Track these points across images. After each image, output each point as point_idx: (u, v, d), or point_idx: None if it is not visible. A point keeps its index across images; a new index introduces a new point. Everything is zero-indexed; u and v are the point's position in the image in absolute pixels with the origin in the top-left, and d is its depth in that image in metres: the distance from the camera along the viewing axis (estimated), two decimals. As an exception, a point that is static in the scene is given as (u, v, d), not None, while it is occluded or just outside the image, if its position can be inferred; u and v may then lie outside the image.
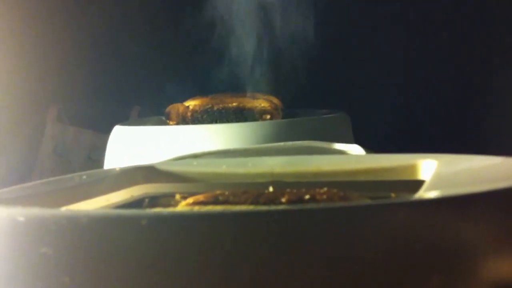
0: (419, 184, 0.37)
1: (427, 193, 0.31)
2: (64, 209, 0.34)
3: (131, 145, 0.71)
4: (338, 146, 0.60)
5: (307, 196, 0.34)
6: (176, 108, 0.77)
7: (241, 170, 0.43)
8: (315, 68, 0.90)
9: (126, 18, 1.07)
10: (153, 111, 0.90)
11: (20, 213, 0.26)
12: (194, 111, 0.76)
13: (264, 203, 0.34)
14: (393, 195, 0.39)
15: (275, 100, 0.78)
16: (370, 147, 0.60)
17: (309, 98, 0.92)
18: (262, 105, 0.75)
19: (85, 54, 1.08)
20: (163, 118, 0.78)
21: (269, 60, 0.82)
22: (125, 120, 1.06)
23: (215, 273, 0.25)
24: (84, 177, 0.40)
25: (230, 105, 0.75)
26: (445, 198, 0.25)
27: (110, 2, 1.06)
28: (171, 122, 0.76)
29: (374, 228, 0.25)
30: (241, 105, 0.75)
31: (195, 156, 0.56)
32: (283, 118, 0.76)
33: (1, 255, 0.26)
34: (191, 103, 0.77)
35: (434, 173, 0.37)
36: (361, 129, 0.78)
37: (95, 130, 1.07)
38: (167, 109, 0.77)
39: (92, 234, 0.25)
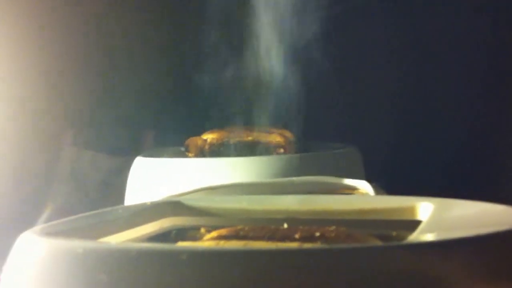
0: (417, 224, 0.42)
1: (417, 236, 0.36)
2: (115, 242, 0.39)
3: (152, 176, 0.75)
4: (347, 181, 0.64)
5: (317, 234, 0.38)
6: (194, 141, 0.81)
7: (259, 207, 0.49)
8: (327, 102, 0.94)
9: (144, 45, 1.10)
10: (168, 135, 0.94)
11: (79, 246, 0.31)
12: (211, 144, 0.80)
13: (280, 239, 0.39)
14: (394, 233, 0.44)
15: (288, 134, 0.82)
16: (379, 182, 0.64)
17: (321, 132, 0.95)
18: (277, 139, 0.79)
19: (101, 79, 1.09)
20: (182, 149, 0.82)
21: (282, 94, 0.86)
22: (140, 145, 1.09)
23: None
24: (120, 210, 0.45)
25: (245, 139, 0.79)
26: (428, 243, 0.30)
27: (127, 29, 1.09)
28: (190, 154, 0.81)
29: (367, 269, 0.29)
30: (256, 139, 0.79)
31: (212, 188, 0.61)
32: (296, 152, 0.80)
33: (62, 281, 0.31)
34: (209, 136, 0.81)
35: (430, 215, 0.42)
36: (371, 163, 0.81)
37: (111, 155, 1.09)
38: (186, 142, 0.81)
39: (140, 265, 0.30)
